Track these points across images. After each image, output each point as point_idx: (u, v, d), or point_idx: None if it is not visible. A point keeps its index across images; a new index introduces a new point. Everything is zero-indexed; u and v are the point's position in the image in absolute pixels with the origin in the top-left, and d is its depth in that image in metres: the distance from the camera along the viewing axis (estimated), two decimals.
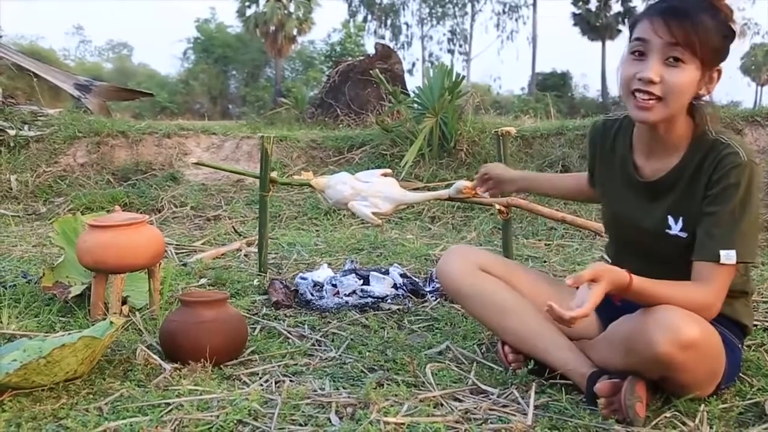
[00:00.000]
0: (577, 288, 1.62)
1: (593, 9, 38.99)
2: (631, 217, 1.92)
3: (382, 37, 42.77)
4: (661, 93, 1.69)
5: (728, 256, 1.67)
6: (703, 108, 1.80)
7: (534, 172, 2.72)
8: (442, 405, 1.79)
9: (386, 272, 3.15)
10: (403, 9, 44.73)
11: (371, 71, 8.20)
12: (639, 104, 1.71)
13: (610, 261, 2.11)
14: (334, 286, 2.97)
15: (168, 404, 1.76)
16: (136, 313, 2.57)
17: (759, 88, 40.84)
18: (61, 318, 2.57)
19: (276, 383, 1.97)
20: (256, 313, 2.73)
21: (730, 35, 1.72)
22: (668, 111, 1.71)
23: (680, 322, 1.57)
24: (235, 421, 1.66)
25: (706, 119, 1.79)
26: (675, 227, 1.81)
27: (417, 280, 3.18)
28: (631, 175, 1.92)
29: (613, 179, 1.99)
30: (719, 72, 1.74)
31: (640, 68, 1.70)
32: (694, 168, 1.77)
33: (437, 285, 3.06)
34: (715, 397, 1.77)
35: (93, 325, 2.28)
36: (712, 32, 1.67)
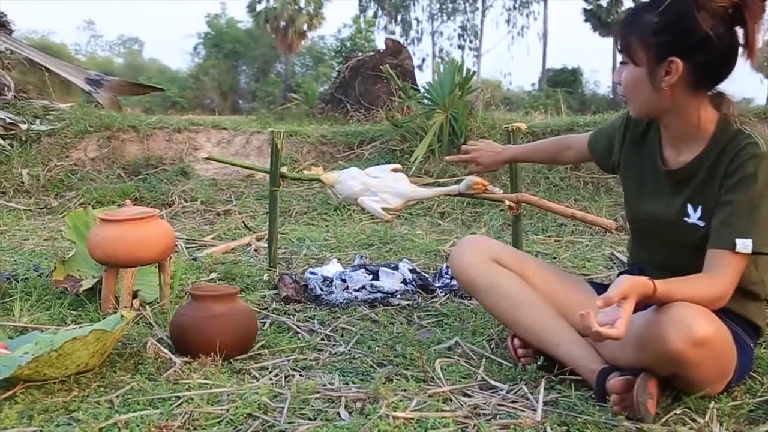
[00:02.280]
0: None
1: (604, 5, 38.78)
2: (651, 207, 1.93)
3: (393, 33, 42.71)
4: (622, 92, 1.85)
5: (744, 245, 1.66)
6: (728, 99, 1.81)
7: (520, 146, 2.76)
8: (451, 400, 1.79)
9: (396, 267, 3.15)
10: (414, 4, 44.63)
11: (381, 67, 8.18)
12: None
13: (628, 256, 2.14)
14: (344, 281, 2.98)
15: (178, 398, 1.77)
16: (147, 306, 2.58)
17: None
18: (72, 311, 2.59)
19: (285, 377, 1.97)
20: (266, 308, 2.73)
21: (681, 17, 1.68)
22: (635, 105, 1.85)
23: (693, 319, 1.56)
24: (244, 415, 1.67)
25: (731, 110, 1.80)
26: (693, 216, 1.81)
27: (426, 275, 3.18)
28: (656, 165, 1.92)
29: (638, 168, 2.00)
30: (675, 63, 1.70)
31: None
32: (714, 157, 1.77)
33: (447, 280, 3.06)
34: (725, 394, 1.76)
35: (104, 318, 2.29)
36: (652, 29, 1.71)
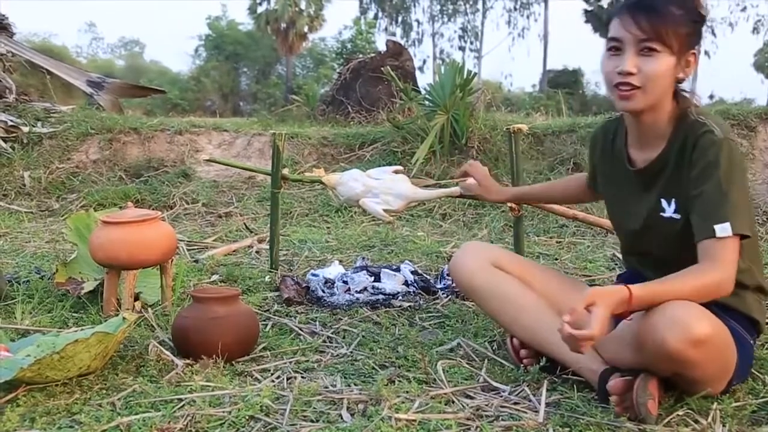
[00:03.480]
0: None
1: (605, 6, 38.77)
2: (629, 210, 1.97)
3: (393, 34, 42.65)
4: (639, 82, 1.76)
5: (723, 229, 1.67)
6: (684, 92, 1.85)
7: (525, 186, 2.77)
8: (453, 402, 1.79)
9: (397, 269, 3.15)
10: (414, 6, 44.56)
11: (382, 68, 8.19)
12: (621, 94, 1.79)
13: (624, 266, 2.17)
14: (346, 282, 2.98)
15: (180, 400, 1.77)
16: (149, 309, 2.58)
17: None
18: (74, 314, 2.59)
19: (287, 379, 1.97)
20: (268, 310, 2.73)
21: (699, 20, 1.79)
22: (649, 98, 1.78)
23: (691, 318, 1.56)
24: (246, 417, 1.67)
25: (689, 102, 1.84)
26: (668, 209, 1.84)
27: (428, 277, 3.17)
28: (625, 167, 1.96)
29: (613, 175, 2.04)
30: (695, 55, 1.80)
31: (618, 62, 1.78)
32: (677, 151, 1.81)
33: (448, 282, 3.05)
34: (727, 395, 1.77)
35: (106, 320, 2.30)
36: (680, 20, 1.74)
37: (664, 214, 1.85)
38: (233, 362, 2.09)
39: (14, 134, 6.57)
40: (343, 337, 2.42)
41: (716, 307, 1.68)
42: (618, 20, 1.79)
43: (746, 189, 1.77)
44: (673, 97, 1.83)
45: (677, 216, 1.82)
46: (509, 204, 2.94)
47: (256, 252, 3.97)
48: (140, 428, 1.61)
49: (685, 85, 1.85)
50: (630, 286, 1.62)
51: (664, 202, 1.85)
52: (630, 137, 1.96)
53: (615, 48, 1.78)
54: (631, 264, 2.13)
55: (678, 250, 1.80)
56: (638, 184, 1.93)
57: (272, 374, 2.02)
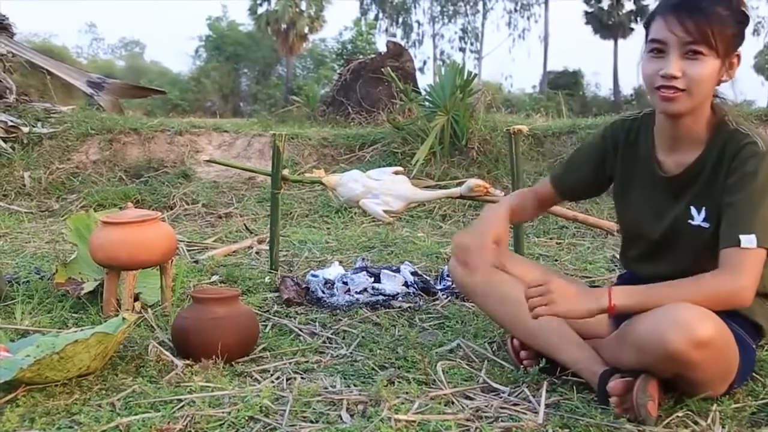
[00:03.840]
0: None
1: (605, 7, 38.79)
2: (654, 216, 1.91)
3: (394, 35, 42.70)
4: (684, 86, 1.70)
5: (749, 240, 1.65)
6: (721, 98, 1.82)
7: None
8: (453, 403, 1.79)
9: (397, 270, 3.15)
10: (415, 7, 44.63)
11: (383, 69, 8.19)
12: (664, 96, 1.72)
13: (624, 269, 2.14)
14: (345, 283, 2.97)
15: (180, 400, 1.77)
16: (148, 309, 2.58)
17: None
18: (73, 314, 2.59)
19: (287, 380, 1.97)
20: (268, 311, 2.73)
21: (744, 20, 1.74)
22: (693, 101, 1.72)
23: (694, 320, 1.55)
24: (246, 418, 1.67)
25: (725, 110, 1.80)
26: (698, 218, 1.81)
27: (428, 278, 3.17)
28: (653, 172, 1.90)
29: (635, 180, 1.97)
30: (738, 57, 1.76)
31: (661, 65, 1.70)
32: (715, 158, 1.77)
33: (448, 283, 3.05)
34: (727, 396, 1.76)
35: (105, 321, 2.29)
36: (726, 22, 1.69)
37: (693, 222, 1.81)
38: (233, 363, 2.09)
39: (14, 134, 6.57)
40: (343, 338, 2.42)
41: (721, 311, 1.67)
42: (662, 20, 1.71)
43: None
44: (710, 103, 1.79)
45: (706, 225, 1.79)
46: None
47: (256, 253, 3.97)
48: (140, 429, 1.61)
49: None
50: (613, 288, 1.70)
51: (693, 210, 1.81)
52: (660, 140, 1.90)
53: (657, 50, 1.72)
54: (646, 271, 2.00)
55: (697, 261, 1.76)
56: (668, 190, 1.88)
57: (272, 375, 2.02)
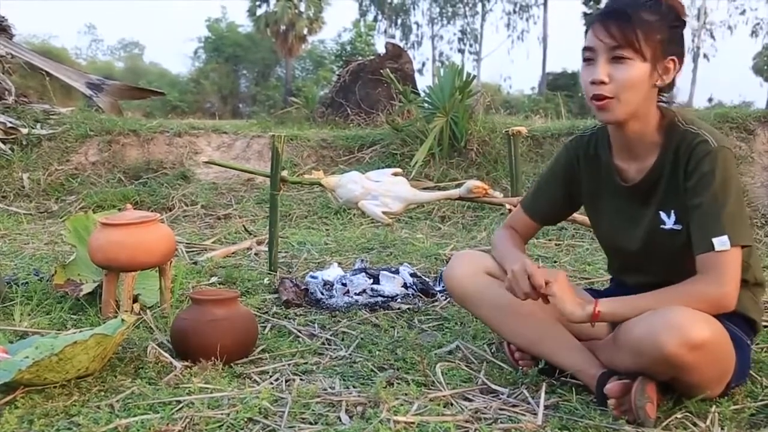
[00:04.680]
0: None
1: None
2: (627, 227, 1.92)
3: (393, 37, 42.70)
4: (612, 92, 1.73)
5: (722, 242, 1.66)
6: (663, 102, 1.83)
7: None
8: (452, 404, 1.79)
9: (396, 271, 3.15)
10: (414, 8, 44.64)
11: (382, 71, 8.19)
12: (596, 105, 1.76)
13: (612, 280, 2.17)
14: (344, 285, 2.98)
15: (179, 402, 1.77)
16: (147, 311, 2.58)
17: None
18: (72, 315, 2.59)
19: (286, 382, 1.97)
20: (267, 312, 2.73)
21: (679, 24, 1.77)
22: (625, 107, 1.75)
23: (689, 322, 1.56)
24: (245, 419, 1.67)
25: (672, 111, 1.82)
26: (669, 221, 1.82)
27: (427, 279, 3.17)
28: (615, 182, 1.91)
29: (601, 191, 1.98)
30: (675, 61, 1.76)
31: (591, 72, 1.75)
32: (671, 161, 1.79)
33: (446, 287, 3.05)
34: (726, 398, 1.76)
35: (104, 322, 2.29)
36: (653, 26, 1.71)
37: (665, 227, 1.82)
38: (232, 364, 2.09)
39: (13, 136, 6.57)
40: (342, 340, 2.42)
41: None
42: (591, 29, 1.76)
43: (741, 196, 1.74)
44: (658, 106, 1.81)
45: (678, 227, 1.80)
46: (508, 207, 2.94)
47: (255, 254, 3.97)
48: (139, 430, 1.61)
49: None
50: (600, 300, 1.72)
51: (663, 215, 1.82)
52: (615, 149, 1.91)
53: (588, 59, 1.76)
54: (631, 281, 2.04)
55: (680, 262, 1.77)
56: (634, 198, 1.88)
57: (271, 376, 2.02)
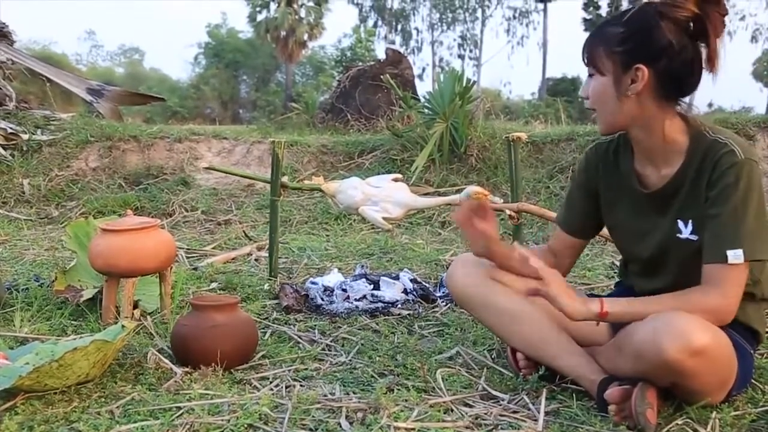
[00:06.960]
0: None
1: (604, 15, 38.88)
2: (642, 234, 1.91)
3: (393, 42, 42.74)
4: (591, 106, 1.82)
5: (736, 255, 1.65)
6: (694, 111, 1.83)
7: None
8: (452, 410, 1.79)
9: (396, 277, 3.14)
10: (414, 14, 44.70)
11: (382, 76, 8.21)
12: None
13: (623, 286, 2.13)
14: (345, 290, 2.97)
15: (179, 408, 1.77)
16: (148, 317, 2.58)
17: None
18: (72, 321, 2.58)
19: (286, 388, 1.97)
20: (267, 318, 2.73)
21: (643, 30, 1.72)
22: (605, 118, 1.81)
23: (690, 328, 1.55)
24: (245, 426, 1.67)
25: (697, 120, 1.80)
26: (685, 231, 1.80)
27: (427, 285, 3.17)
28: (634, 188, 1.90)
29: (618, 197, 1.97)
30: (642, 70, 1.71)
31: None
32: (695, 170, 1.77)
33: (447, 290, 3.05)
34: (727, 404, 1.76)
35: (105, 328, 2.29)
36: (614, 39, 1.74)
37: (681, 236, 1.80)
38: (232, 370, 2.09)
39: (14, 141, 6.58)
40: (342, 345, 2.41)
41: None
42: None
43: (763, 210, 1.71)
44: (678, 115, 1.79)
45: (694, 237, 1.78)
46: (509, 212, 2.94)
47: (255, 260, 3.97)
48: None
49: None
50: (605, 300, 1.72)
51: (680, 223, 1.80)
52: (637, 156, 1.90)
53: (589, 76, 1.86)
54: (630, 282, 2.06)
55: (690, 273, 1.75)
56: (652, 206, 1.87)
57: (271, 382, 2.02)
